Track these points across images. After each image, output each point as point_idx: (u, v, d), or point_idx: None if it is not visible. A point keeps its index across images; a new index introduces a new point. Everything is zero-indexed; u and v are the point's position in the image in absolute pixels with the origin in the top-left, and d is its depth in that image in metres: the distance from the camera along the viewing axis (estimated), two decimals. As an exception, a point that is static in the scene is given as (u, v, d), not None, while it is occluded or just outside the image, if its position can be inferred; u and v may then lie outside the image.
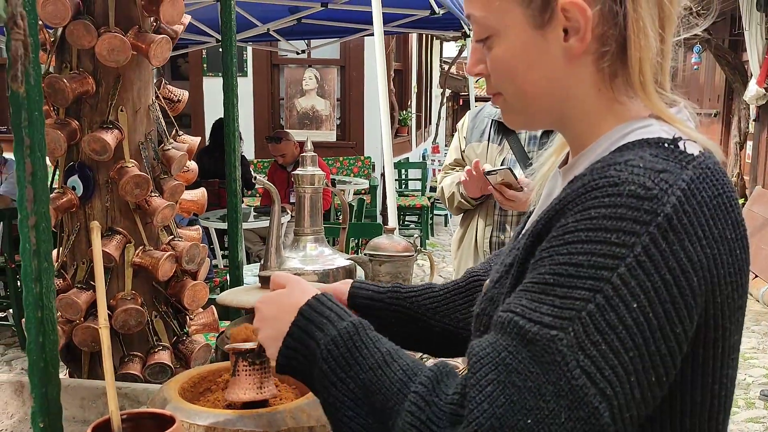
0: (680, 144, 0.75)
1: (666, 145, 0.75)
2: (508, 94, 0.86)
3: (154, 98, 1.86)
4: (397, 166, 8.65)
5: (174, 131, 1.92)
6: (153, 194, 1.80)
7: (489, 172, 2.18)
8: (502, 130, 2.43)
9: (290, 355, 0.85)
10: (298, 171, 1.61)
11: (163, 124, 1.87)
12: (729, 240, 0.72)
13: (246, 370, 1.03)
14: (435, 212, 8.53)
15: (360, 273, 1.65)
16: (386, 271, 1.58)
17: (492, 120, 2.46)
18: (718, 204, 0.72)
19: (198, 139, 2.00)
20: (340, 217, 4.63)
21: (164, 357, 1.82)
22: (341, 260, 1.63)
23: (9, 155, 5.20)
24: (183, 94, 1.99)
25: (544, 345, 0.67)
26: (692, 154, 0.75)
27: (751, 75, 7.05)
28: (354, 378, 0.78)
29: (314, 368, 0.81)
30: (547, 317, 0.68)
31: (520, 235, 0.93)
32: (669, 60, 0.83)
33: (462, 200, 2.42)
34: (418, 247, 1.64)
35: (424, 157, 9.44)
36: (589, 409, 0.65)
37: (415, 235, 7.48)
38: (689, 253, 0.68)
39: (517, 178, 2.12)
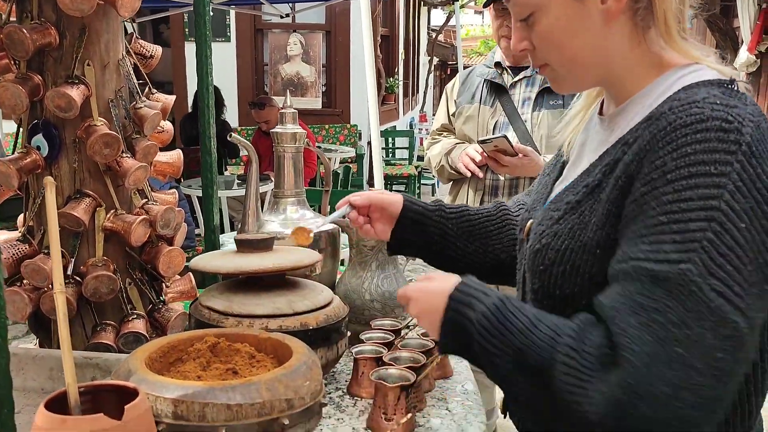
0: (735, 84, 0.86)
1: (726, 85, 0.85)
2: (556, 64, 0.94)
3: (124, 53, 1.75)
4: (384, 134, 8.52)
5: (147, 89, 1.81)
6: (124, 155, 1.69)
7: (483, 141, 2.09)
8: (494, 90, 2.33)
9: (449, 337, 0.91)
10: (277, 129, 1.52)
11: (135, 81, 1.76)
12: None
13: (401, 399, 1.12)
14: (422, 181, 8.44)
15: (344, 237, 1.56)
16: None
17: (484, 80, 2.36)
18: None
19: (173, 97, 1.89)
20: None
21: (139, 326, 1.73)
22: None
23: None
24: (156, 50, 1.87)
25: (677, 280, 0.74)
26: (744, 93, 0.84)
27: (742, 41, 6.96)
28: (509, 345, 0.83)
29: (473, 343, 0.87)
30: (672, 254, 0.76)
31: (582, 177, 0.96)
32: (687, 11, 0.92)
33: (452, 171, 2.33)
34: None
35: (411, 126, 9.31)
36: (730, 325, 0.73)
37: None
38: None
39: (512, 145, 2.04)
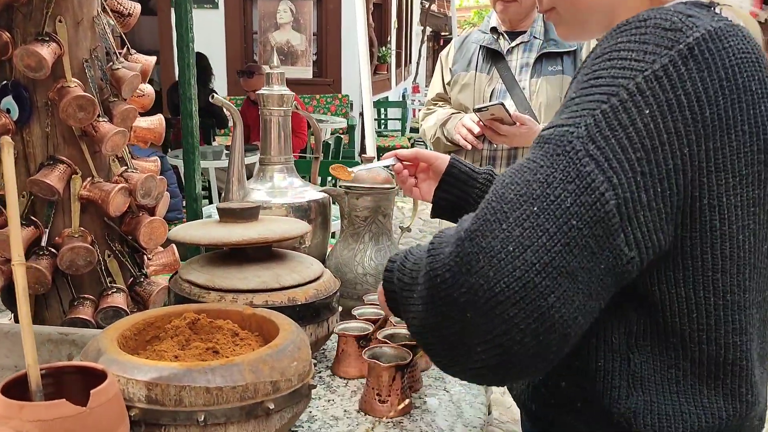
0: (716, 8, 0.78)
1: (701, 4, 0.78)
2: (562, 8, 0.91)
3: (99, 10, 1.63)
4: (376, 105, 8.37)
5: (125, 49, 1.70)
6: (101, 119, 1.59)
7: (479, 109, 1.99)
8: (490, 57, 2.23)
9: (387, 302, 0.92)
10: (263, 90, 1.42)
11: (112, 40, 1.64)
12: (753, 92, 0.73)
13: (396, 380, 1.06)
14: (415, 153, 8.32)
15: (335, 209, 1.48)
16: (364, 206, 1.41)
17: (480, 47, 2.25)
18: (746, 58, 0.73)
19: (153, 58, 1.78)
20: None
21: (119, 300, 1.64)
22: (313, 193, 1.45)
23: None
24: (134, 7, 1.76)
25: (556, 140, 0.71)
26: (727, 17, 0.76)
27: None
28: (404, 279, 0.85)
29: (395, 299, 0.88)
30: (562, 119, 0.73)
31: None
32: None
33: (448, 143, 2.23)
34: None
35: (404, 97, 9.15)
36: (595, 195, 0.68)
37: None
38: (706, 84, 0.71)
39: (509, 113, 1.94)
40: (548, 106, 2.14)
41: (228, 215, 1.18)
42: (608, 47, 0.75)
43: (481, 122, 2.02)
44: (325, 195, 1.44)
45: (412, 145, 7.50)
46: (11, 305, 1.71)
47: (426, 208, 2.46)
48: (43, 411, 0.72)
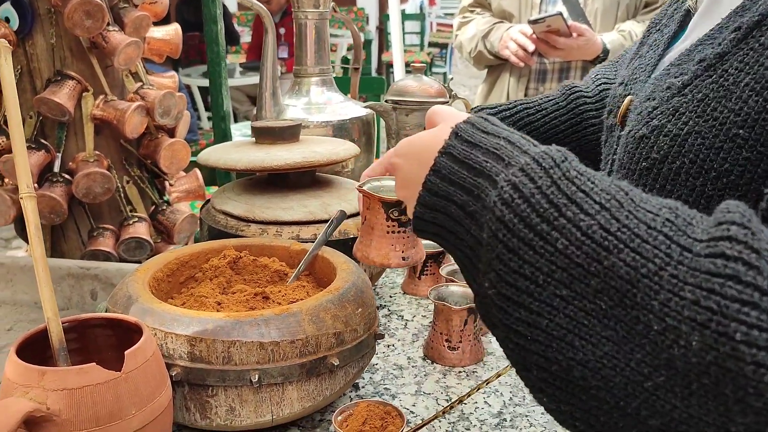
0: None
1: None
2: None
3: None
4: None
5: (134, -53, 1.49)
6: (111, 28, 1.42)
7: (534, 21, 1.77)
8: None
9: (436, 205, 0.52)
10: (298, -11, 1.22)
11: (119, -64, 1.44)
12: None
13: (389, 227, 0.71)
14: (433, 70, 8.00)
15: (381, 125, 1.30)
16: (415, 122, 1.24)
17: None
18: None
19: (165, -42, 1.57)
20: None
21: (141, 230, 1.51)
22: (356, 108, 1.28)
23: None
24: None
25: None
26: None
27: None
28: (570, 228, 0.42)
29: (485, 224, 0.47)
30: None
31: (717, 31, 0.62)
32: None
33: (491, 57, 2.01)
34: (453, 92, 1.28)
35: (421, 9, 8.71)
36: None
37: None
38: None
39: (567, 23, 1.73)
40: (605, 12, 1.91)
41: (265, 135, 1.02)
42: None
43: (534, 35, 1.80)
44: (370, 111, 1.27)
45: (432, 61, 7.18)
46: (26, 236, 1.58)
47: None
48: (70, 377, 0.59)
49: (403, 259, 0.72)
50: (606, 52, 1.83)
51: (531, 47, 1.83)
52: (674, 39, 0.73)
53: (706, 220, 0.41)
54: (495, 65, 2.10)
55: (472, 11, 2.16)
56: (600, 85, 0.98)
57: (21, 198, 0.68)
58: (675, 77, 0.63)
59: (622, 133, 0.69)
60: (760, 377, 0.34)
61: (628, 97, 0.71)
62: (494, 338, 0.59)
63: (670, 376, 0.37)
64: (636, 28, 1.91)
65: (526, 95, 2.02)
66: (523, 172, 0.45)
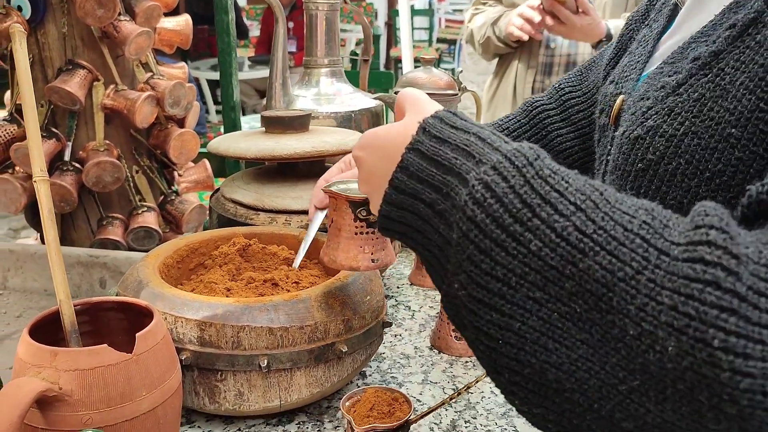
0: None
1: None
2: None
3: None
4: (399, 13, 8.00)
5: (145, -63, 1.50)
6: (122, 18, 1.42)
7: None
8: None
9: (403, 203, 0.50)
10: (308, -20, 1.22)
11: (130, -74, 1.45)
12: None
13: (357, 228, 0.69)
14: (441, 66, 7.99)
15: (391, 116, 1.31)
16: (424, 114, 1.24)
17: None
18: None
19: (176, -51, 1.58)
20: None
21: (150, 219, 1.52)
22: (365, 100, 1.28)
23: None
24: None
25: None
26: None
27: None
28: (543, 230, 0.41)
29: (454, 224, 0.45)
30: None
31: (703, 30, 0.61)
32: None
33: (499, 44, 2.01)
34: (462, 84, 1.28)
35: (430, 5, 8.70)
36: None
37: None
38: None
39: None
40: (615, 5, 1.91)
41: (275, 125, 1.02)
42: None
43: (542, 6, 1.80)
44: (379, 103, 1.27)
45: (440, 57, 7.18)
46: (36, 224, 1.59)
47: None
48: (82, 358, 0.60)
49: (373, 261, 0.70)
50: (609, 37, 1.83)
51: (537, 18, 1.83)
52: (662, 33, 0.71)
53: (682, 222, 0.40)
54: (503, 56, 2.10)
55: (483, 4, 2.16)
56: (564, 95, 0.94)
57: (34, 181, 0.69)
58: (669, 76, 0.62)
59: (616, 133, 0.67)
60: (736, 384, 0.34)
61: (621, 97, 0.69)
62: None
63: (645, 380, 0.37)
64: None
65: (533, 88, 2.02)
66: (495, 171, 0.43)
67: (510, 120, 0.88)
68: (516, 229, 0.41)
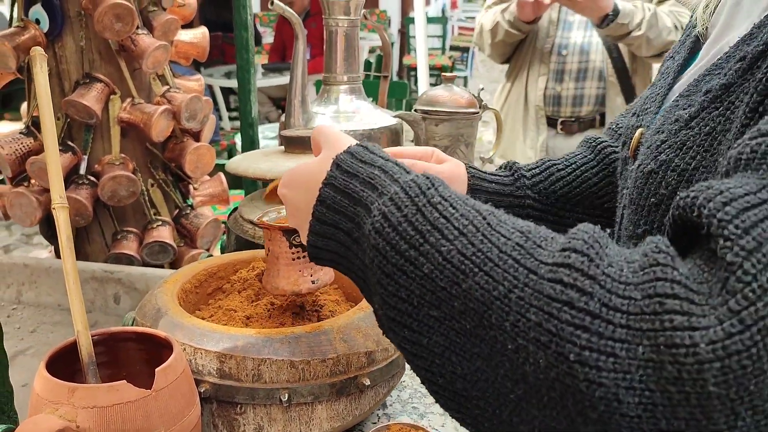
0: None
1: None
2: None
3: None
4: (413, 21, 7.99)
5: (164, -50, 1.49)
6: (140, 32, 1.41)
7: None
8: None
9: (326, 232, 0.54)
10: (329, -4, 1.21)
11: (149, -61, 1.44)
12: None
13: (294, 254, 0.74)
14: (455, 72, 7.97)
15: (409, 134, 1.29)
16: (444, 133, 1.22)
17: None
18: None
19: (194, -39, 1.57)
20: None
21: (164, 234, 1.51)
22: (384, 117, 1.27)
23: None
24: None
25: None
26: None
27: None
28: (433, 253, 0.45)
29: (366, 250, 0.49)
30: None
31: (722, 59, 0.60)
32: None
33: (510, 29, 1.99)
34: (483, 102, 1.26)
35: (443, 12, 8.69)
36: None
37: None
38: None
39: None
40: None
41: (295, 144, 1.01)
42: None
43: None
44: (398, 121, 1.26)
45: (453, 65, 7.16)
46: (51, 237, 1.59)
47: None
48: (100, 395, 0.58)
49: (313, 282, 0.75)
50: (616, 12, 1.80)
51: None
52: (685, 66, 0.71)
53: (556, 242, 0.43)
54: (513, 61, 2.08)
55: (496, 6, 2.14)
56: (620, 131, 0.91)
57: (53, 208, 0.68)
58: (683, 109, 0.61)
59: (633, 167, 0.67)
60: (592, 392, 0.38)
61: (639, 130, 0.69)
62: None
63: (527, 389, 0.41)
64: (653, 6, 1.88)
65: (545, 95, 2.01)
66: (392, 201, 0.48)
67: (576, 155, 0.87)
68: (411, 254, 0.45)
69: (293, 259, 0.74)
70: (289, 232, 0.73)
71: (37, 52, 0.68)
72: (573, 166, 0.85)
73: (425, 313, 0.45)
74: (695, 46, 0.71)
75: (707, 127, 0.56)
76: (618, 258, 0.42)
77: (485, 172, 0.81)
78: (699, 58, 0.67)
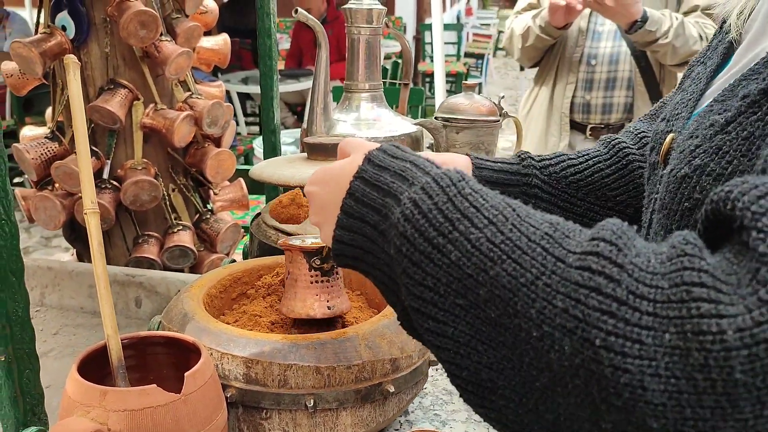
0: None
1: None
2: None
3: None
4: (428, 28, 8.00)
5: (187, -42, 1.51)
6: (164, 38, 1.43)
7: None
8: None
9: (352, 226, 0.54)
10: (350, 4, 1.22)
11: (173, -52, 1.46)
12: None
13: (312, 277, 0.75)
14: (469, 79, 7.97)
15: (429, 139, 1.30)
16: (465, 140, 1.23)
17: None
18: None
19: (217, -31, 1.58)
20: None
21: (185, 238, 1.53)
22: (405, 125, 1.27)
23: (12, 8, 4.76)
24: None
25: None
26: None
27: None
28: (462, 241, 0.45)
29: (392, 240, 0.49)
30: None
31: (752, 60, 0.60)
32: None
33: (541, 34, 1.99)
34: (504, 110, 1.27)
35: (458, 19, 8.69)
36: None
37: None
38: None
39: None
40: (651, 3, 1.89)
41: (318, 151, 1.02)
42: None
43: None
44: (419, 128, 1.26)
45: (467, 71, 7.16)
46: (74, 240, 1.60)
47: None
48: (131, 398, 0.59)
49: (329, 308, 0.76)
50: (645, 19, 1.80)
51: None
52: (717, 72, 0.70)
53: (584, 233, 0.44)
54: (544, 66, 2.08)
55: (525, 12, 2.15)
56: (639, 133, 0.92)
57: (85, 213, 0.69)
58: (718, 114, 0.61)
59: (664, 171, 0.66)
60: (617, 379, 0.38)
61: (670, 135, 0.69)
62: None
63: (552, 377, 0.41)
64: (680, 15, 1.88)
65: (572, 103, 2.01)
66: (423, 191, 0.48)
67: (591, 150, 0.89)
68: (439, 242, 0.46)
69: (311, 282, 0.75)
70: (310, 254, 0.74)
71: (71, 59, 0.70)
72: (585, 156, 0.86)
73: (451, 302, 0.45)
74: (728, 51, 0.70)
75: (745, 132, 0.56)
76: (645, 249, 0.42)
77: (489, 158, 0.83)
78: (732, 64, 0.67)
